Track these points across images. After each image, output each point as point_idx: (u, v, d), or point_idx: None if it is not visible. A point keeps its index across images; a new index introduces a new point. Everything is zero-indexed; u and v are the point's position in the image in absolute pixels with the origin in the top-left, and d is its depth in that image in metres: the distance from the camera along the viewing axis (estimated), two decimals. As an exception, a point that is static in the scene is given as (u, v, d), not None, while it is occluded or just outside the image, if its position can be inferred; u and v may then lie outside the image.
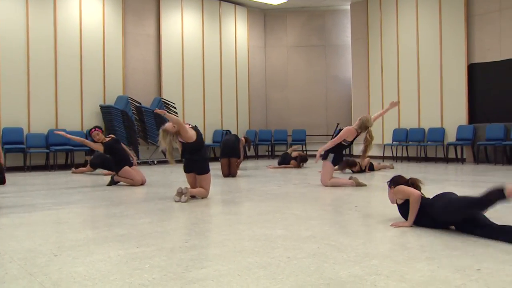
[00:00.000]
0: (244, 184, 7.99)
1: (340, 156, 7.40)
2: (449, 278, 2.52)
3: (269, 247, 3.28)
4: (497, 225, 3.46)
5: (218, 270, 2.75)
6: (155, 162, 12.96)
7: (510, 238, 3.28)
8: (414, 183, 4.08)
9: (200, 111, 14.53)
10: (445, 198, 3.72)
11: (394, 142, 13.36)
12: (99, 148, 7.74)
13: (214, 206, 5.46)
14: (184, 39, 14.17)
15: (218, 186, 7.60)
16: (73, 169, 10.55)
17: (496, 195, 3.24)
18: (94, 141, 7.86)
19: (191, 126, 6.02)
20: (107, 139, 7.85)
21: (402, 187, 3.98)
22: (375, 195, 6.32)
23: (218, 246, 3.39)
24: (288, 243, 3.39)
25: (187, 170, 6.04)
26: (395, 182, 4.14)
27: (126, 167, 7.63)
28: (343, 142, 7.09)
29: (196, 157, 5.95)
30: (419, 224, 3.87)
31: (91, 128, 8.09)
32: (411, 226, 3.85)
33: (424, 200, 3.88)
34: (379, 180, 8.08)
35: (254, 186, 7.52)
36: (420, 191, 3.99)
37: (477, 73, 12.06)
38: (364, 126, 7.01)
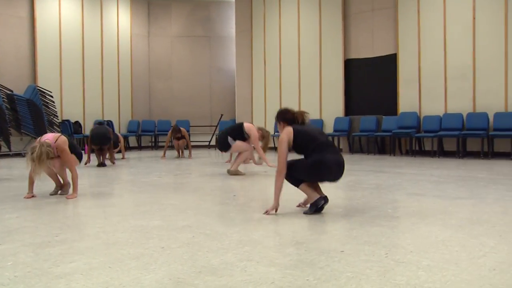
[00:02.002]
0: (125, 175, 7.80)
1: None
2: (314, 261, 2.67)
3: (144, 238, 3.25)
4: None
5: (89, 263, 2.67)
6: (29, 154, 12.18)
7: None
8: (299, 117, 4.31)
9: (80, 99, 13.90)
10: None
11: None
12: None
13: (91, 198, 5.27)
14: (62, 23, 13.44)
15: (97, 177, 7.34)
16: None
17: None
18: None
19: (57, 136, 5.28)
20: None
21: (280, 144, 4.12)
22: (254, 183, 6.50)
23: (91, 239, 3.28)
24: (163, 233, 3.38)
25: None
26: (280, 117, 4.36)
27: None
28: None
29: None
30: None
31: None
32: (277, 206, 4.07)
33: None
34: (261, 169, 8.30)
35: (134, 177, 7.37)
36: (305, 121, 4.30)
37: (352, 68, 12.80)
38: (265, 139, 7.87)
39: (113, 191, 5.87)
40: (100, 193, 5.60)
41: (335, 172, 4.04)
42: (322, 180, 4.13)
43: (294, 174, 4.08)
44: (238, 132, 7.49)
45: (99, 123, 9.82)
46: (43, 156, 4.73)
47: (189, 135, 15.04)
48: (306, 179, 4.08)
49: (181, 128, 11.43)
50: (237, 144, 7.47)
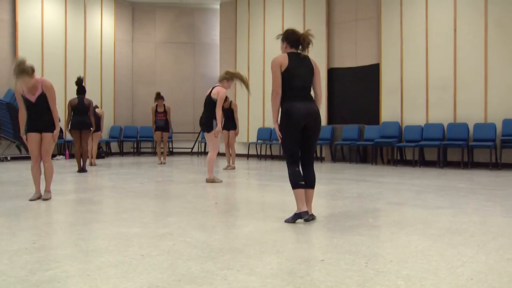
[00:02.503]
0: (106, 181, 7.73)
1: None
2: (294, 269, 2.67)
3: (124, 246, 3.21)
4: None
5: (66, 271, 2.63)
6: (9, 159, 12.02)
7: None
8: (303, 41, 4.18)
9: (61, 103, 13.73)
10: None
11: (258, 141, 13.79)
12: None
13: (71, 204, 5.21)
14: (44, 26, 13.30)
15: (78, 183, 7.27)
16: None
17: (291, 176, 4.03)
18: None
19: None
20: None
21: (273, 69, 4.14)
22: (235, 191, 6.49)
23: (70, 246, 3.24)
24: (143, 241, 3.35)
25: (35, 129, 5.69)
26: (284, 37, 4.31)
27: None
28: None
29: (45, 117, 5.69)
30: None
31: None
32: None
33: None
34: (243, 177, 8.29)
35: (115, 183, 7.31)
36: (309, 45, 4.19)
37: (335, 77, 12.88)
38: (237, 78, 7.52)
39: (93, 197, 5.81)
40: (80, 200, 5.54)
41: (307, 119, 4.01)
42: (297, 129, 4.01)
43: (285, 151, 4.10)
44: (211, 103, 7.30)
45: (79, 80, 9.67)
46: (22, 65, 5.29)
47: (172, 142, 15.04)
48: (289, 139, 4.04)
49: (165, 105, 11.45)
50: (208, 136, 7.33)
